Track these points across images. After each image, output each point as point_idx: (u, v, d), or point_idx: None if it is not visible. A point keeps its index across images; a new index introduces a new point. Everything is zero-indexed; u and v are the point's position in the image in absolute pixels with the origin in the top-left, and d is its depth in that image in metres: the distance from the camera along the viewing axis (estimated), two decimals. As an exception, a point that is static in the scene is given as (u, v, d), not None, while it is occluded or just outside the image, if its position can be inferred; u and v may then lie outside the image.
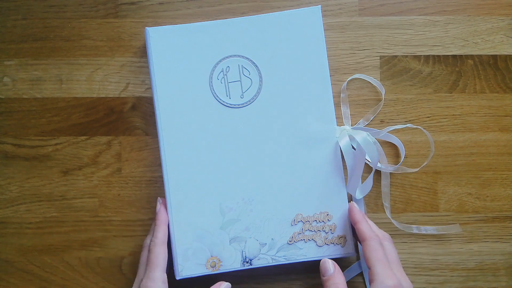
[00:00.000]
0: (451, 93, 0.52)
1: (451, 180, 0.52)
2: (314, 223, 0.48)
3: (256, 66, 0.48)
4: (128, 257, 0.51)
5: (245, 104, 0.48)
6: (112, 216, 0.51)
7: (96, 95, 0.51)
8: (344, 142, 0.48)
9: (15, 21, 0.52)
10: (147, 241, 0.47)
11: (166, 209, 0.47)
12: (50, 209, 0.51)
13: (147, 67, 0.51)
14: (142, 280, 0.43)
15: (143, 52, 0.52)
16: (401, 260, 0.51)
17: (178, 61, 0.48)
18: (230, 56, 0.48)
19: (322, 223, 0.48)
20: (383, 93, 0.51)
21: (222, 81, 0.48)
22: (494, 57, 0.52)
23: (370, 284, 0.42)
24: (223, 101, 0.48)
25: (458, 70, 0.52)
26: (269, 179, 0.48)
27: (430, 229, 0.51)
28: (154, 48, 0.48)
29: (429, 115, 0.52)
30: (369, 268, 0.42)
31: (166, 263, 0.44)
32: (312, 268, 0.51)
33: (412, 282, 0.51)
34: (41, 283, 0.50)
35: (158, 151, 0.51)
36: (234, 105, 0.48)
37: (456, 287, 0.51)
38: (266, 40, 0.48)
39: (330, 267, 0.44)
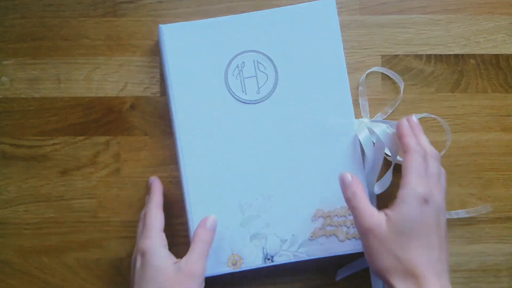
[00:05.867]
0: (453, 92, 0.52)
1: (453, 180, 0.51)
2: (335, 218, 0.47)
3: (271, 60, 0.48)
4: (126, 258, 0.50)
5: (262, 100, 0.48)
6: (110, 217, 0.51)
7: (94, 94, 0.51)
8: (363, 135, 0.47)
9: (13, 20, 0.51)
10: (143, 213, 0.46)
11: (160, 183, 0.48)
12: (49, 210, 0.51)
13: (146, 66, 0.51)
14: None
15: (142, 51, 0.51)
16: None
17: (192, 58, 0.48)
18: (245, 51, 0.48)
19: (343, 218, 0.47)
20: (402, 86, 0.51)
21: (238, 77, 0.48)
22: (496, 56, 0.52)
23: (399, 192, 0.39)
24: (239, 97, 0.48)
25: (460, 70, 0.52)
26: (288, 174, 0.47)
27: (460, 213, 0.50)
28: (168, 46, 0.48)
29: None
30: (402, 177, 0.39)
31: (163, 225, 0.44)
32: (312, 269, 0.51)
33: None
34: (40, 284, 0.50)
35: (157, 151, 0.51)
36: (251, 101, 0.48)
37: (457, 288, 0.51)
38: (281, 34, 0.48)
39: (348, 177, 0.42)
